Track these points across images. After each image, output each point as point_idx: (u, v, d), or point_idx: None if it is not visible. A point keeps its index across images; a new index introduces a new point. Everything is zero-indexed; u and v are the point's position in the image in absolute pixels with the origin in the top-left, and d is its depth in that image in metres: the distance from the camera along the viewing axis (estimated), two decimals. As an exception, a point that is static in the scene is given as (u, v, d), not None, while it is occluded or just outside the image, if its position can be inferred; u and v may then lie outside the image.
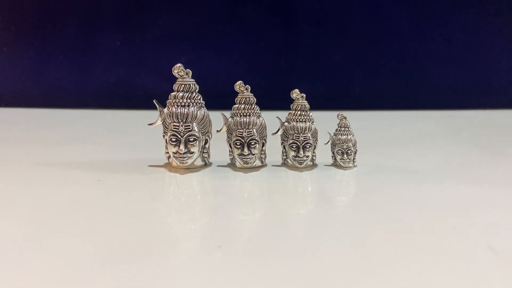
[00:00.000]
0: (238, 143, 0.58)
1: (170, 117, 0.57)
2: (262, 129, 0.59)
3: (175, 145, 0.57)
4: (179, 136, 0.56)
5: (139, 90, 1.29)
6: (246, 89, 0.59)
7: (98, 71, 1.28)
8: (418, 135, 0.90)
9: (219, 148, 0.64)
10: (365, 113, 1.20)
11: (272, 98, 1.13)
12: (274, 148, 0.63)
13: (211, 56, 1.26)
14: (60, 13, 1.25)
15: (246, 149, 0.57)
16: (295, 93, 0.60)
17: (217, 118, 0.61)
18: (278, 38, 1.26)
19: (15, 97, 1.29)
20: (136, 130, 0.92)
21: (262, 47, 1.26)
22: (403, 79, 1.27)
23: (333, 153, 0.62)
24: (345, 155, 0.60)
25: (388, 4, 1.24)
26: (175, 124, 0.56)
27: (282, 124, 0.60)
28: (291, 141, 0.59)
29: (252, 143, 0.58)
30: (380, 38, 1.26)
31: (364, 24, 1.25)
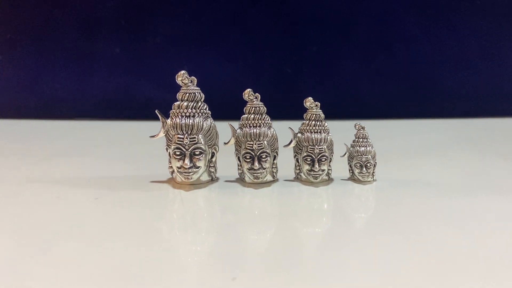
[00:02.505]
0: (247, 157, 0.55)
1: (173, 128, 0.54)
2: (274, 141, 0.56)
3: (179, 159, 0.53)
4: (184, 150, 0.53)
5: (141, 99, 1.25)
6: (256, 97, 0.56)
7: (97, 80, 1.25)
8: (435, 144, 0.88)
9: (227, 162, 0.60)
10: (376, 122, 1.17)
11: (278, 107, 1.09)
12: (286, 161, 0.60)
13: (214, 64, 1.23)
14: (58, 20, 1.22)
15: (256, 163, 0.54)
16: (309, 102, 0.56)
17: (223, 129, 0.57)
18: (284, 45, 1.23)
19: (10, 107, 1.25)
20: (138, 141, 0.89)
21: (267, 54, 1.23)
22: (414, 86, 1.24)
23: (350, 166, 0.58)
24: (364, 169, 0.56)
25: (397, 8, 1.20)
26: (179, 136, 0.53)
27: (295, 135, 0.57)
28: (305, 154, 0.55)
29: (263, 156, 0.54)
30: (390, 43, 1.22)
31: (373, 29, 1.22)
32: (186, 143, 0.53)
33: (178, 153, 0.53)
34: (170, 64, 1.23)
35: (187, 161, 0.53)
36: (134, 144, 0.88)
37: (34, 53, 1.24)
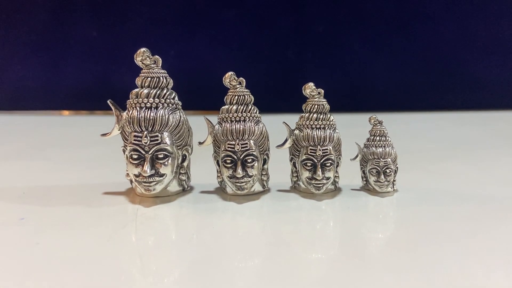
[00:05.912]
0: (228, 161, 0.48)
1: (130, 124, 0.46)
2: (263, 139, 0.50)
3: (137, 165, 0.46)
4: (143, 152, 0.45)
5: (120, 89, 1.20)
6: (240, 83, 0.50)
7: (71, 67, 1.23)
8: (468, 143, 0.84)
9: (203, 167, 0.55)
10: (392, 115, 1.13)
11: (278, 99, 1.07)
12: (280, 165, 0.55)
13: (205, 48, 1.20)
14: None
15: (239, 169, 0.48)
16: (309, 89, 0.51)
17: (201, 124, 0.52)
18: (286, 25, 1.20)
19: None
20: (106, 139, 0.83)
21: (266, 35, 1.20)
22: (437, 73, 1.21)
23: (363, 172, 0.53)
24: (382, 176, 0.51)
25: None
26: (136, 134, 0.45)
27: (292, 132, 0.51)
28: (304, 157, 0.50)
29: (249, 161, 0.48)
30: (408, 23, 1.20)
31: (389, 5, 1.19)
32: (146, 143, 0.45)
33: (135, 156, 0.46)
34: (153, 48, 1.19)
35: (146, 167, 0.45)
36: (101, 143, 0.81)
37: (-3, 37, 1.23)
